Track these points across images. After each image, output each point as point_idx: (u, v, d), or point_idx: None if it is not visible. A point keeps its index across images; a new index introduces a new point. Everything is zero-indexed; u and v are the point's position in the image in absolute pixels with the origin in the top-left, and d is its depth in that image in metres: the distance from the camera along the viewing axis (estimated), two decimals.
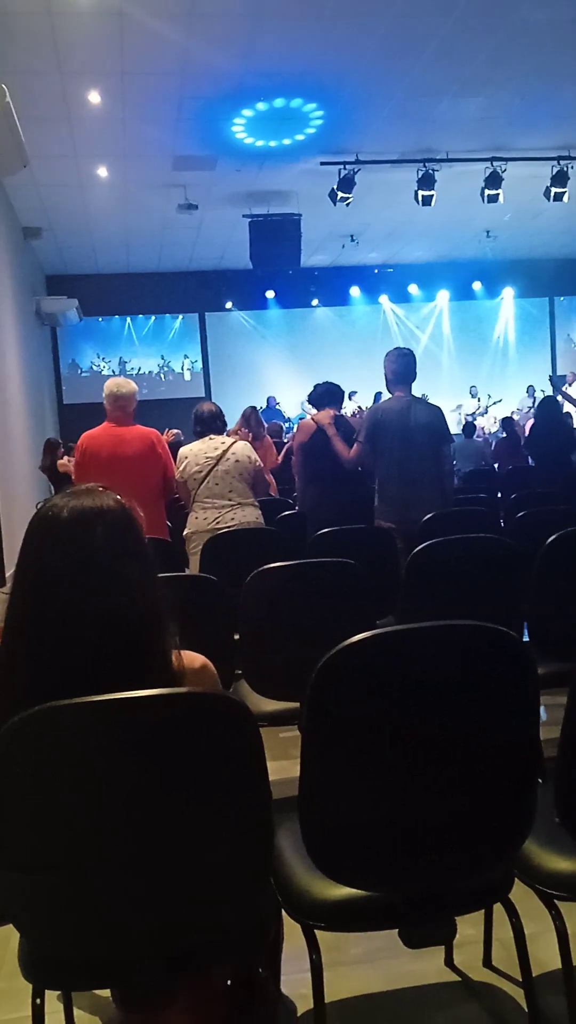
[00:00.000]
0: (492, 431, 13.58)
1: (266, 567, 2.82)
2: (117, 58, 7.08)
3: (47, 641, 1.47)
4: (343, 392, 5.48)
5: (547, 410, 7.73)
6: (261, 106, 8.26)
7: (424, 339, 16.25)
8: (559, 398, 9.67)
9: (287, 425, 12.82)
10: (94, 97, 7.83)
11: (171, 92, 7.83)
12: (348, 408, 11.34)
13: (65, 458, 8.84)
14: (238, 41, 6.96)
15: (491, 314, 16.87)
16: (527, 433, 9.05)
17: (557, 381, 13.11)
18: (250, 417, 7.57)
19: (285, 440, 9.66)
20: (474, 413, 14.51)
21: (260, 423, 7.92)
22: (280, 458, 8.31)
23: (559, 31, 7.13)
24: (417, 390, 5.01)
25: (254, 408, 7.94)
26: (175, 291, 15.17)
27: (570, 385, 13.36)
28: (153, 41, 6.78)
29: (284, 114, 8.51)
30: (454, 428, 8.66)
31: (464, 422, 12.12)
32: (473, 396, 15.27)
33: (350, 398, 12.99)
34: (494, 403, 14.80)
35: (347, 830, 1.59)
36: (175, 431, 8.64)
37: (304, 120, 8.75)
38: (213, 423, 4.70)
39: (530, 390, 15.10)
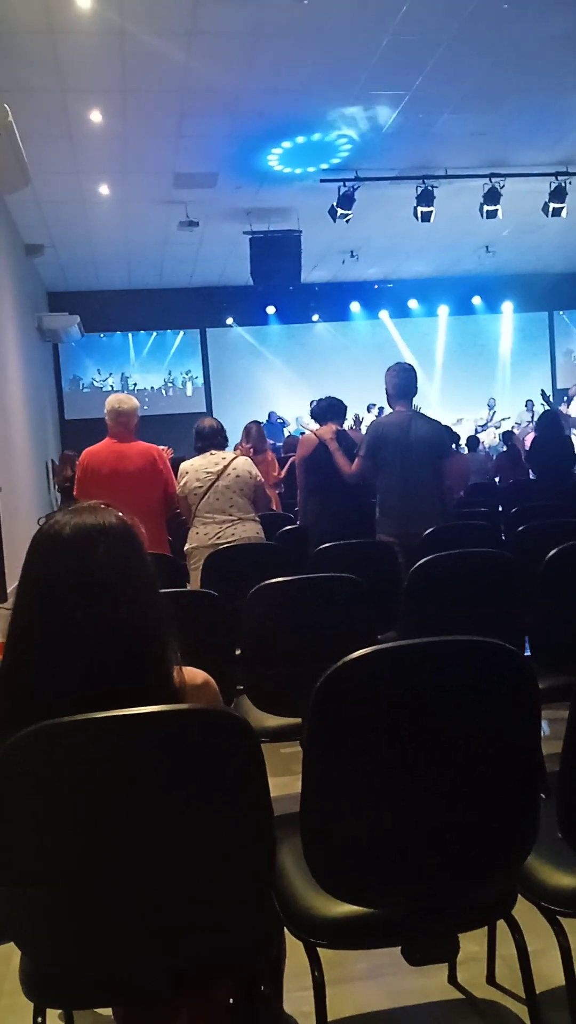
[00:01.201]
0: (493, 445, 13.60)
1: (267, 582, 2.83)
2: (119, 76, 7.14)
3: (49, 657, 1.47)
4: (345, 407, 5.49)
5: (547, 423, 7.76)
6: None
7: (424, 354, 16.29)
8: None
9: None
10: (96, 115, 7.89)
11: (172, 110, 7.89)
12: (356, 413, 11.37)
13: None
14: (238, 59, 7.02)
15: (491, 329, 16.92)
16: (527, 447, 9.07)
17: (555, 396, 13.12)
18: (252, 431, 7.58)
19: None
20: (485, 424, 14.53)
21: (262, 438, 7.94)
22: (283, 473, 8.32)
23: (556, 47, 7.19)
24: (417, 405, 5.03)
25: (257, 423, 7.96)
26: (176, 307, 15.23)
27: (571, 400, 13.37)
28: (154, 59, 6.85)
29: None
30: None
31: (468, 436, 12.16)
32: (490, 408, 15.29)
33: (368, 411, 13.04)
34: (503, 419, 14.83)
35: (349, 846, 1.59)
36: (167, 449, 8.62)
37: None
38: (214, 438, 4.70)
39: (528, 404, 15.13)
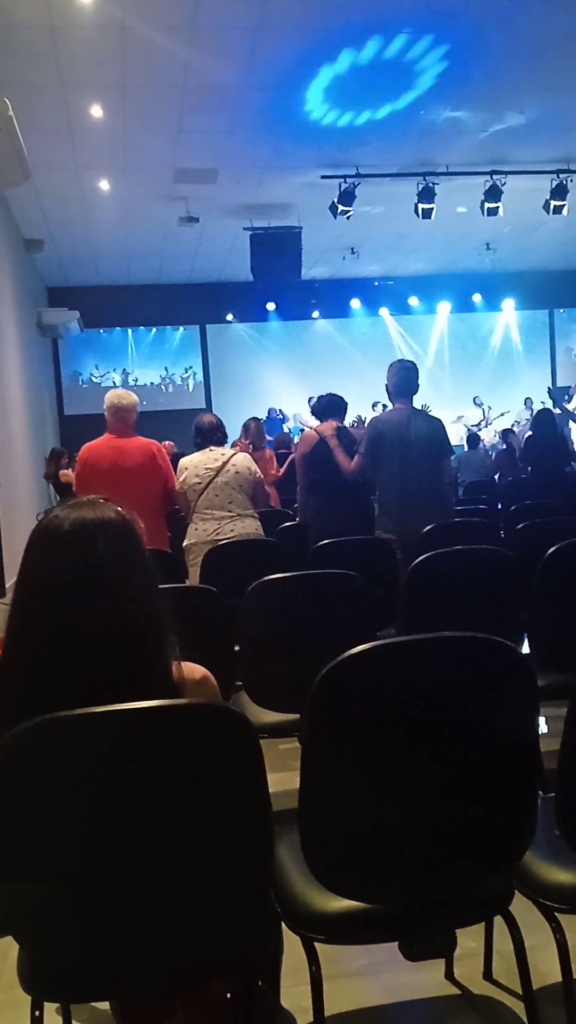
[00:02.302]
0: (493, 443, 13.60)
1: (267, 578, 2.83)
2: (119, 71, 7.12)
3: (47, 652, 1.47)
4: (346, 404, 5.50)
5: (542, 421, 7.77)
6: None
7: (424, 351, 16.29)
8: (557, 411, 9.69)
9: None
10: (96, 110, 7.87)
11: (172, 105, 7.87)
12: (358, 414, 11.38)
13: (69, 468, 8.85)
14: (239, 54, 7.01)
15: (491, 326, 16.91)
16: (523, 444, 9.09)
17: (557, 394, 13.11)
18: (251, 428, 7.58)
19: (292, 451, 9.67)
20: (479, 424, 14.54)
21: (262, 434, 7.93)
22: (283, 470, 8.31)
23: (558, 45, 7.18)
24: (418, 402, 5.03)
25: (256, 419, 7.95)
26: (176, 303, 15.22)
27: (572, 398, 13.37)
28: (154, 54, 6.83)
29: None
30: (456, 439, 8.69)
31: (467, 434, 12.15)
32: (477, 405, 15.31)
33: (373, 408, 13.04)
34: (499, 416, 14.82)
35: (347, 841, 1.59)
36: (168, 443, 8.63)
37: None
38: (213, 435, 4.71)
39: (527, 402, 15.12)
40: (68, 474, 8.68)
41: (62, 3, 6.03)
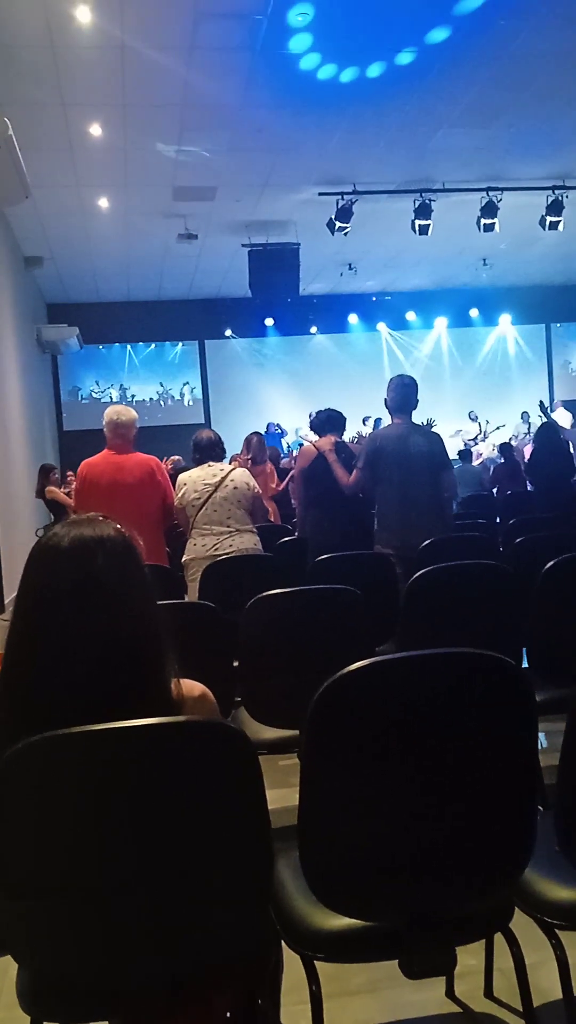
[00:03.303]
0: (491, 457, 13.61)
1: (265, 594, 2.83)
2: (119, 90, 7.18)
3: (47, 669, 1.47)
4: (344, 419, 5.51)
5: (546, 435, 7.78)
6: None
7: (422, 366, 16.34)
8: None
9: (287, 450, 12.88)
10: (95, 128, 7.93)
11: (171, 123, 7.93)
12: (364, 431, 11.39)
13: (62, 486, 8.82)
14: (238, 74, 7.07)
15: (488, 340, 16.97)
16: (526, 458, 9.09)
17: (552, 408, 13.16)
18: (252, 442, 7.59)
19: (281, 466, 9.68)
20: (475, 438, 14.56)
21: (263, 448, 7.94)
22: (282, 485, 8.32)
23: (553, 62, 7.25)
24: (421, 416, 5.03)
25: (258, 433, 7.96)
26: (175, 319, 15.28)
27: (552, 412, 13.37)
28: (154, 73, 6.89)
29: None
30: (453, 454, 8.69)
31: (462, 448, 12.16)
32: (473, 420, 15.34)
33: (364, 423, 13.05)
34: (496, 429, 14.83)
35: (347, 859, 1.59)
36: (176, 457, 8.66)
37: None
38: (212, 450, 4.71)
39: (524, 416, 15.15)
40: (54, 491, 8.64)
41: (62, 23, 6.10)
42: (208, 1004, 1.60)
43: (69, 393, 15.68)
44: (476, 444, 13.89)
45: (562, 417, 14.01)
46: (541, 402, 9.91)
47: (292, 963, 1.75)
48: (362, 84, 7.40)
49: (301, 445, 7.69)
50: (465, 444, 13.21)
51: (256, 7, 6.13)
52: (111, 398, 15.47)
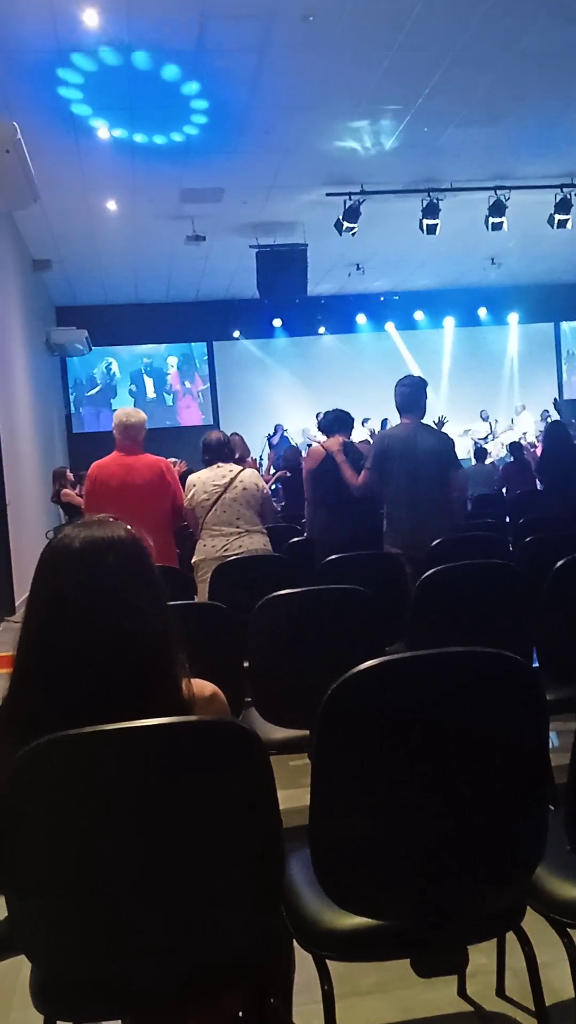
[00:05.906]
0: (501, 456, 13.59)
1: (275, 594, 2.83)
2: (126, 94, 7.20)
3: (58, 669, 1.48)
4: (352, 419, 5.51)
5: (555, 434, 7.76)
6: None
7: (430, 365, 16.31)
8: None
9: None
10: (103, 132, 7.95)
11: (179, 126, 7.94)
12: (362, 433, 11.41)
13: (77, 488, 8.85)
14: (245, 75, 7.08)
15: (497, 340, 16.94)
16: (539, 456, 9.08)
17: (563, 405, 13.12)
18: (235, 442, 7.65)
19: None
20: (486, 437, 14.52)
21: (245, 448, 8.03)
22: (271, 481, 8.41)
23: (561, 60, 7.23)
24: (432, 415, 5.03)
25: (236, 433, 8.06)
26: (183, 320, 15.30)
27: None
28: (161, 75, 6.91)
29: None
30: (463, 453, 8.69)
31: (474, 447, 12.15)
32: (484, 419, 15.31)
33: (363, 424, 13.05)
34: (506, 429, 14.79)
35: (358, 858, 1.59)
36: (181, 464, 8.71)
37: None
38: (221, 451, 4.72)
39: (544, 415, 15.02)
40: (69, 494, 8.68)
41: (69, 27, 6.11)
42: (219, 1003, 1.61)
43: (78, 396, 15.73)
44: (486, 443, 13.87)
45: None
46: (555, 399, 9.88)
47: (304, 962, 1.75)
48: (369, 81, 7.40)
49: (310, 446, 7.71)
50: (476, 443, 13.18)
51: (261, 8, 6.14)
52: (120, 400, 15.51)
